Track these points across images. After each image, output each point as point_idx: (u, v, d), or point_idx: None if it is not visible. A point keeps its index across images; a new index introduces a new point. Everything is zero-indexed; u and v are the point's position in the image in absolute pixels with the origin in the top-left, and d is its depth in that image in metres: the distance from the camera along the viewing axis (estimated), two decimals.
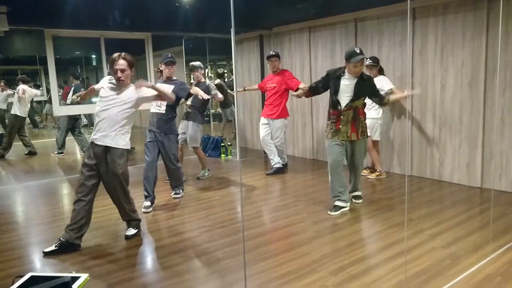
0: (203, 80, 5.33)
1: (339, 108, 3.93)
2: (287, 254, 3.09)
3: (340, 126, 3.94)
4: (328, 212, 3.94)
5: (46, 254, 3.16)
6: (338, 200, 4.01)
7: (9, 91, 9.30)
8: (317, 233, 3.51)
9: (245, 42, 7.54)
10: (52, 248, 3.19)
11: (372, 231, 3.57)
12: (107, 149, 3.25)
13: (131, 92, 3.31)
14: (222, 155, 7.08)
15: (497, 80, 4.36)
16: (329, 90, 4.04)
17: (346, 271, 2.79)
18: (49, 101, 11.19)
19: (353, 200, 4.29)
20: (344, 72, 3.92)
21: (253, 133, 7.75)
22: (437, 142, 5.00)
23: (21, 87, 7.77)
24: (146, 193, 4.28)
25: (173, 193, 4.68)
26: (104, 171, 3.28)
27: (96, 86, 3.43)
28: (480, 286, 2.54)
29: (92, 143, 3.30)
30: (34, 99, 10.82)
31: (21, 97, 7.68)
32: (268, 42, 7.06)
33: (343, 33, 5.86)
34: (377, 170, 5.29)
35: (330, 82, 4.00)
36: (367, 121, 5.03)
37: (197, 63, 5.35)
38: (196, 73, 5.31)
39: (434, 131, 5.02)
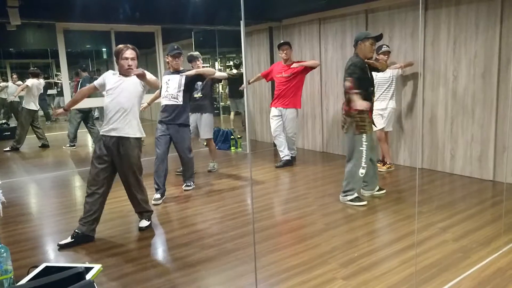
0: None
1: (371, 99, 3.90)
2: (297, 246, 3.10)
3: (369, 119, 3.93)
4: (362, 203, 3.94)
5: (62, 247, 3.21)
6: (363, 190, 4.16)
7: (19, 83, 9.42)
8: (327, 225, 3.51)
9: (255, 34, 7.51)
10: (68, 240, 3.24)
11: (383, 224, 3.56)
12: (119, 140, 3.28)
13: (135, 78, 3.29)
14: (232, 148, 7.10)
15: (511, 71, 4.29)
16: (355, 83, 3.77)
17: (357, 263, 2.79)
18: (58, 94, 11.30)
19: (377, 192, 4.25)
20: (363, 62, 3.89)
21: (263, 126, 7.75)
22: (449, 134, 4.95)
23: (28, 81, 7.84)
24: (156, 186, 4.32)
25: (184, 185, 4.72)
26: (118, 162, 3.32)
27: (96, 83, 3.41)
28: (491, 280, 2.52)
29: (103, 135, 3.33)
30: (47, 92, 10.88)
31: (28, 90, 7.75)
32: (277, 34, 7.02)
33: (353, 25, 5.81)
34: (388, 162, 5.26)
35: (361, 74, 3.83)
36: (387, 111, 5.04)
37: (196, 53, 5.29)
38: (197, 63, 5.28)
39: (445, 123, 4.96)
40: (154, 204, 4.18)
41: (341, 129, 6.11)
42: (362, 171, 3.95)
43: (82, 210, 3.32)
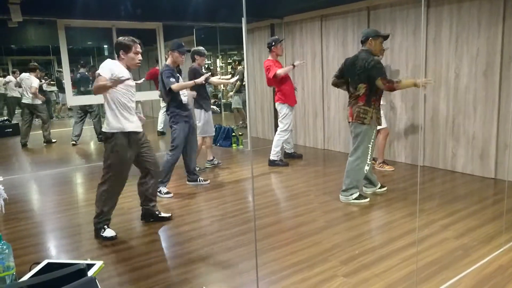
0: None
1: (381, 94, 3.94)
2: (298, 244, 3.11)
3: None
4: (366, 201, 3.96)
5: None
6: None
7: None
8: (328, 222, 3.52)
9: (256, 31, 7.50)
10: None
11: (384, 221, 3.56)
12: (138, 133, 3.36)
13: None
14: (233, 145, 7.10)
15: None
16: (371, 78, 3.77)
17: (357, 260, 2.80)
18: (60, 90, 11.28)
19: (379, 189, 4.26)
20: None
21: (264, 123, 7.75)
22: (450, 132, 4.94)
23: (22, 75, 7.82)
24: (168, 178, 4.45)
25: (201, 180, 4.80)
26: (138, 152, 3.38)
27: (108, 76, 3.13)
28: (492, 277, 2.53)
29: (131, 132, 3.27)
30: (45, 88, 10.80)
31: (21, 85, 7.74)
32: (279, 31, 7.01)
33: (355, 22, 5.79)
34: (383, 162, 5.23)
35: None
36: (386, 108, 5.06)
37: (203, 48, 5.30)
38: (204, 60, 5.28)
39: (447, 121, 4.96)
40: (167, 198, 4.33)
41: (342, 126, 6.17)
42: (366, 167, 3.95)
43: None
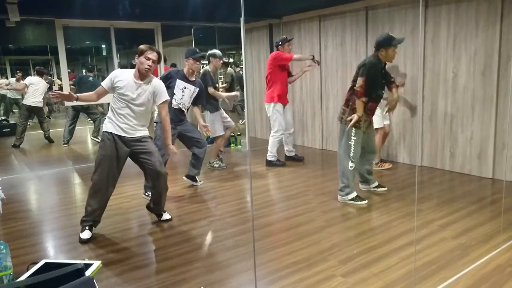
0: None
1: (378, 101, 3.94)
2: (297, 243, 3.10)
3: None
4: (363, 202, 3.94)
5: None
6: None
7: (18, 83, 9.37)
8: (326, 222, 3.52)
9: (255, 31, 7.49)
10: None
11: (382, 221, 3.56)
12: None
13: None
14: (232, 145, 7.10)
15: (510, 68, 4.28)
16: (367, 83, 3.78)
17: (356, 260, 2.80)
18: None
19: (379, 189, 4.28)
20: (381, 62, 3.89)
21: (262, 123, 7.75)
22: (449, 132, 4.95)
23: (32, 79, 7.81)
24: None
25: (200, 181, 4.79)
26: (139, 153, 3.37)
27: (106, 85, 3.32)
28: (490, 277, 2.53)
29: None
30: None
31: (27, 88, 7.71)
32: (277, 31, 7.01)
33: (353, 22, 5.79)
34: (382, 161, 5.25)
35: (375, 74, 3.83)
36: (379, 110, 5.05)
37: (217, 51, 5.35)
38: (220, 62, 5.33)
39: (445, 121, 4.96)
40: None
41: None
42: (351, 164, 3.96)
43: (84, 207, 3.34)
